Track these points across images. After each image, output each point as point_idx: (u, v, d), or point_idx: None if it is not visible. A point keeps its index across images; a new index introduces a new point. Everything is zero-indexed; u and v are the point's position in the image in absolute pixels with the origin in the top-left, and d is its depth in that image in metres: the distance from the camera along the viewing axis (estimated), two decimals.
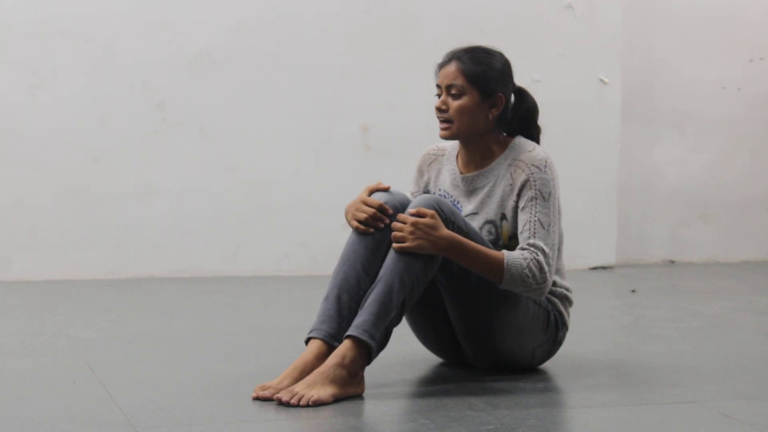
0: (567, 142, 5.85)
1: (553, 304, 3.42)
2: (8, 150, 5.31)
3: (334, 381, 3.09)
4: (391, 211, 3.29)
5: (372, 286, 3.19)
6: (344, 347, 3.13)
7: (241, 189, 5.57)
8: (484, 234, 3.36)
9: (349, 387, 3.12)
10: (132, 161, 5.44)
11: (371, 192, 3.35)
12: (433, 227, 3.17)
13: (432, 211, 3.19)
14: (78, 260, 5.40)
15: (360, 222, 3.29)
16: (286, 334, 4.04)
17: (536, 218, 3.28)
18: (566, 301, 3.45)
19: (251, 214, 5.58)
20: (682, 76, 6.25)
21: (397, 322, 3.20)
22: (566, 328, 3.46)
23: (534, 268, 3.23)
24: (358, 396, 3.15)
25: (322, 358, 3.17)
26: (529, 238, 3.27)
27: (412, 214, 3.19)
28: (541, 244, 3.26)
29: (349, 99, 5.66)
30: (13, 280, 5.32)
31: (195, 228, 5.53)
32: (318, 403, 3.04)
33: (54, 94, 5.34)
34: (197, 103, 5.49)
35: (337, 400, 3.08)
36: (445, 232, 3.18)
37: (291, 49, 5.57)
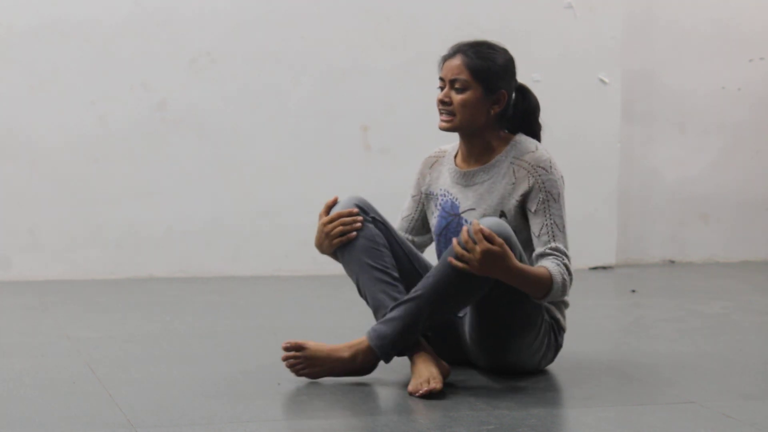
0: (567, 143, 5.85)
1: (551, 311, 3.41)
2: (8, 150, 5.31)
3: (334, 372, 3.30)
4: (356, 210, 3.34)
5: (407, 297, 3.22)
6: (360, 348, 3.26)
7: (240, 189, 5.57)
8: None
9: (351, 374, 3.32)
10: (132, 161, 5.44)
11: (328, 209, 3.39)
12: (503, 258, 3.13)
13: (501, 240, 3.13)
14: (78, 260, 5.40)
15: (340, 235, 3.33)
16: (286, 334, 4.04)
17: (552, 221, 3.30)
18: (562, 304, 3.46)
19: (251, 214, 5.58)
20: (682, 76, 6.24)
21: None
22: (564, 331, 3.46)
23: (566, 274, 3.27)
24: (358, 395, 3.15)
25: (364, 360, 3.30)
26: (549, 241, 3.29)
27: (485, 235, 3.12)
28: (562, 247, 3.30)
29: (349, 99, 5.66)
30: (13, 280, 5.32)
31: (195, 228, 5.53)
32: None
33: (54, 95, 5.34)
34: (197, 103, 5.49)
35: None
36: (514, 263, 3.15)
37: (291, 49, 5.57)
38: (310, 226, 5.63)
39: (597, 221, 6.00)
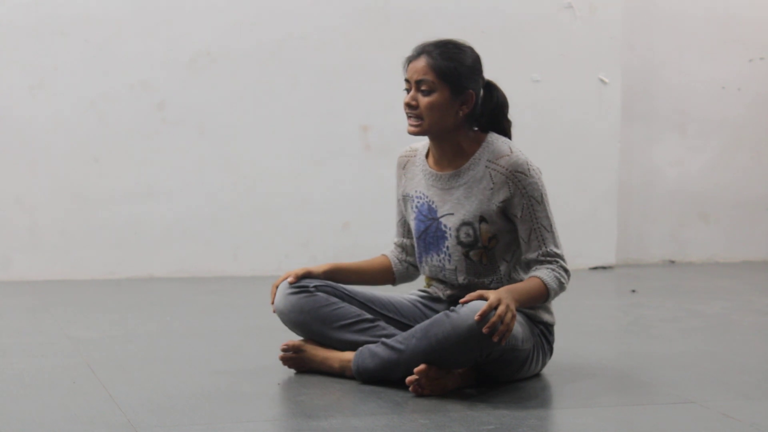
0: (567, 143, 5.85)
1: (537, 317, 3.38)
2: (8, 150, 5.31)
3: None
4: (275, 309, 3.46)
5: (392, 344, 3.23)
6: (348, 366, 3.32)
7: (241, 189, 5.57)
8: (462, 235, 3.33)
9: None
10: (132, 161, 5.44)
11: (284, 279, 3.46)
12: (508, 307, 3.10)
13: (489, 297, 3.11)
14: (78, 260, 5.40)
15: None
16: (286, 335, 4.03)
17: (539, 224, 3.27)
18: None
19: (251, 214, 5.58)
20: (682, 76, 6.24)
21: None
22: (553, 325, 3.43)
23: (563, 275, 3.28)
24: (357, 395, 3.16)
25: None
26: (541, 246, 3.28)
27: (485, 311, 3.07)
28: (554, 249, 3.28)
29: (349, 99, 5.66)
30: (13, 280, 5.32)
31: (195, 228, 5.53)
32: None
33: (54, 94, 5.34)
34: (197, 103, 5.49)
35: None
36: (517, 299, 3.16)
37: (291, 49, 5.57)
38: (310, 226, 5.68)
39: (597, 221, 6.00)
